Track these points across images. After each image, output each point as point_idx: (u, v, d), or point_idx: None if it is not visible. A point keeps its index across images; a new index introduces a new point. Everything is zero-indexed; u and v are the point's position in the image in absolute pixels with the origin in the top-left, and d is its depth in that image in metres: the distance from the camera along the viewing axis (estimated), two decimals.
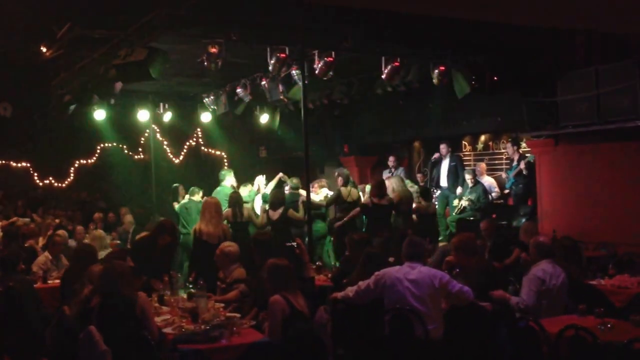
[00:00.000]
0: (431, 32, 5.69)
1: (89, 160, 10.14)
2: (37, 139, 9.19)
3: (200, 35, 5.16)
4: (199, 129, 10.37)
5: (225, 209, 6.09)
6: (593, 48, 6.38)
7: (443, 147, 8.08)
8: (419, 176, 8.70)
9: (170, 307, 3.82)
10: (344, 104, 7.94)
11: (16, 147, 9.24)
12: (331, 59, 5.59)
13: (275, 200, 6.38)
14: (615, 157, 6.38)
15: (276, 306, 3.27)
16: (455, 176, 7.83)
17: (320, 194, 7.09)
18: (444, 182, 8.00)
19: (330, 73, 5.66)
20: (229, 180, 7.14)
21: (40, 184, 9.78)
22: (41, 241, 6.49)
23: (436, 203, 7.71)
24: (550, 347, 3.16)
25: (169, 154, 10.35)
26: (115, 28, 5.56)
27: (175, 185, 7.79)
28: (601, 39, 6.27)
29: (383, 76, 6.08)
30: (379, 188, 6.38)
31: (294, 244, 4.26)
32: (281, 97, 6.59)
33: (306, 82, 5.58)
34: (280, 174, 7.01)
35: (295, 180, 6.90)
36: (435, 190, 8.02)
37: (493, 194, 7.66)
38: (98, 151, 10.15)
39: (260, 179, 7.34)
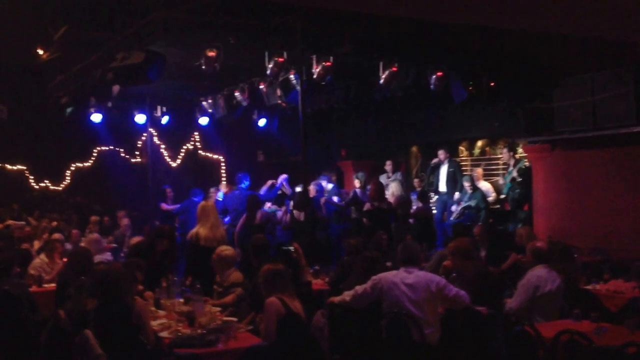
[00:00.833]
0: (429, 38, 5.74)
1: (86, 163, 10.10)
2: (33, 142, 9.15)
3: (199, 39, 5.17)
4: (196, 133, 10.36)
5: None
6: (589, 55, 6.45)
7: (441, 153, 8.12)
8: (415, 181, 8.73)
9: (166, 311, 3.81)
10: (341, 109, 7.97)
11: (12, 150, 9.19)
12: (329, 63, 5.62)
13: (300, 201, 6.38)
14: (610, 163, 6.43)
15: (271, 307, 3.27)
16: (454, 182, 7.86)
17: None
18: (442, 187, 8.03)
19: (328, 78, 5.69)
20: (245, 183, 7.11)
21: (36, 186, 9.73)
22: (36, 244, 6.45)
23: (434, 208, 7.74)
24: (546, 351, 3.17)
25: (166, 158, 10.33)
26: (112, 31, 5.57)
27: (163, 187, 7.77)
28: (597, 47, 6.34)
29: (381, 81, 6.12)
30: (379, 192, 6.39)
31: (291, 248, 4.26)
32: (279, 101, 6.61)
33: (304, 86, 5.60)
34: (270, 181, 7.00)
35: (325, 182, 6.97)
36: (433, 196, 8.04)
37: (490, 199, 7.69)
38: (95, 154, 10.11)
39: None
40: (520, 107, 7.02)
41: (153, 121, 8.71)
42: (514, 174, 7.34)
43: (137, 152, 10.25)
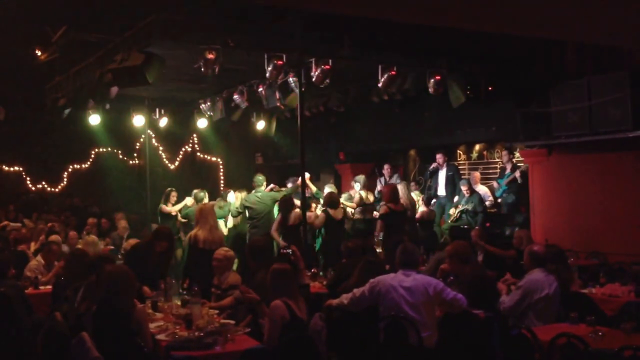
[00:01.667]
0: (428, 42, 5.76)
1: (83, 165, 10.08)
2: (31, 143, 9.13)
3: (198, 41, 5.18)
4: (195, 135, 10.36)
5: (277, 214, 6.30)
6: (585, 60, 6.49)
7: (439, 157, 8.14)
8: (412, 184, 8.75)
9: (164, 313, 3.80)
10: (340, 112, 7.99)
11: (9, 151, 9.17)
12: (328, 66, 5.64)
13: (334, 199, 6.54)
14: (606, 167, 6.46)
15: (277, 311, 3.26)
16: (453, 186, 7.89)
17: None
18: (441, 191, 8.05)
19: (327, 81, 5.71)
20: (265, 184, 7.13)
21: (33, 188, 9.70)
22: (33, 246, 6.43)
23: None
24: (543, 354, 3.18)
25: (165, 160, 10.31)
26: (111, 32, 5.57)
27: (168, 189, 7.73)
28: (593, 51, 6.38)
29: (380, 84, 6.14)
30: (393, 194, 6.42)
31: (289, 250, 4.26)
32: (278, 104, 6.61)
33: (303, 89, 5.62)
34: (272, 185, 7.05)
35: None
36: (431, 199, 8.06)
37: (487, 203, 7.72)
38: (92, 156, 10.10)
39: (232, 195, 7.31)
40: (518, 111, 7.05)
41: (151, 123, 8.71)
42: (517, 174, 7.36)
43: (135, 154, 10.24)
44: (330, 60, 5.62)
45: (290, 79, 5.93)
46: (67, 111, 7.17)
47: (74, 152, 9.81)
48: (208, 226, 5.03)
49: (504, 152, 7.74)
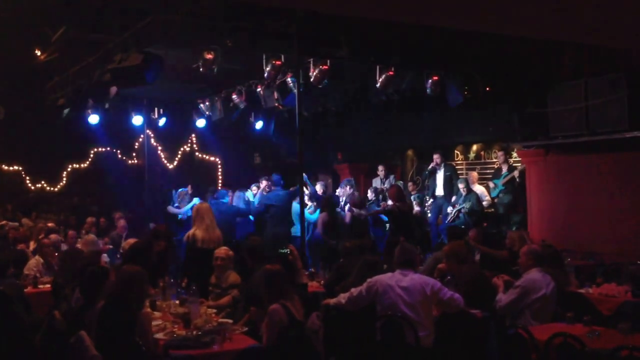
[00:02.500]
0: (425, 43, 5.78)
1: (82, 165, 10.08)
2: (30, 143, 9.12)
3: (196, 42, 5.19)
4: (193, 135, 10.36)
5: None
6: (583, 61, 6.52)
7: (437, 157, 8.15)
8: (410, 184, 8.78)
9: (162, 312, 3.81)
10: (338, 112, 8.01)
11: (8, 151, 9.16)
12: (326, 67, 5.65)
13: (361, 199, 6.80)
14: (603, 168, 6.49)
15: (275, 316, 3.26)
16: (451, 186, 7.91)
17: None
18: (439, 191, 8.07)
19: (325, 81, 5.72)
20: (318, 184, 7.36)
21: (32, 187, 9.69)
22: (32, 245, 6.43)
23: (428, 211, 7.78)
24: (539, 354, 3.20)
25: (163, 159, 10.32)
26: (110, 32, 5.58)
27: (182, 189, 7.80)
28: (590, 53, 6.41)
29: (377, 85, 6.16)
30: (400, 193, 6.49)
31: (287, 250, 4.28)
32: (276, 104, 6.63)
33: (301, 89, 5.63)
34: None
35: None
36: (429, 199, 8.08)
37: (484, 203, 7.74)
38: (91, 155, 10.09)
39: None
40: (515, 111, 7.07)
41: (150, 123, 8.71)
42: (516, 174, 7.38)
43: (134, 154, 10.24)
44: (328, 61, 5.64)
45: (289, 79, 5.94)
46: (66, 111, 7.18)
47: (73, 152, 9.80)
48: (204, 225, 5.04)
49: (500, 153, 7.76)
